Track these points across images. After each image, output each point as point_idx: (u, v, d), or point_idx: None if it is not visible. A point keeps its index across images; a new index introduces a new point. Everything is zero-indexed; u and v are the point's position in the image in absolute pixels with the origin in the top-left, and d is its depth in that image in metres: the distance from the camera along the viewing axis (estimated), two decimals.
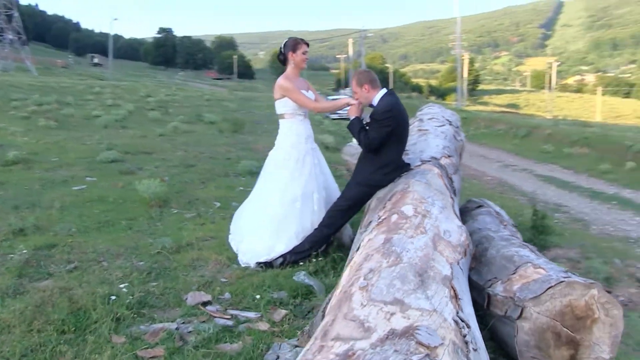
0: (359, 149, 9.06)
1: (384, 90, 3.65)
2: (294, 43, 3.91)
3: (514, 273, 2.44)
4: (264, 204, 3.95)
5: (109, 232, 4.44)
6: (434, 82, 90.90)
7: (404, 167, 3.67)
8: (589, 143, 15.53)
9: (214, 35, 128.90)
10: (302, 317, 2.98)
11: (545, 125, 19.61)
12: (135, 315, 2.82)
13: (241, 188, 6.27)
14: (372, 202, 3.58)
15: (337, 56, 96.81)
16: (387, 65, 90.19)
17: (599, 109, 66.37)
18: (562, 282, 2.14)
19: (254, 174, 7.24)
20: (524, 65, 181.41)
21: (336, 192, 4.12)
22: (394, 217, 2.67)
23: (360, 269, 2.01)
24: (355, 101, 3.70)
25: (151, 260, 3.79)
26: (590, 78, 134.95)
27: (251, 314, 2.98)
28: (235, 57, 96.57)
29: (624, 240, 6.87)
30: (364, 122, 3.68)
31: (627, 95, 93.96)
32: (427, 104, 7.21)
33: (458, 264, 2.36)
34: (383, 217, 2.73)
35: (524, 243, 2.96)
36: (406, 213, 2.75)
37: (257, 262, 3.78)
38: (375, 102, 3.62)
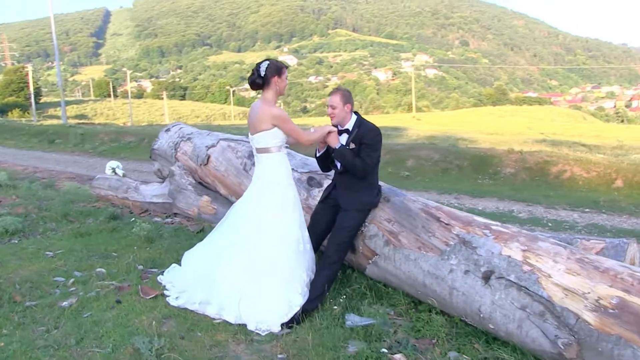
0: (122, 181, 7.50)
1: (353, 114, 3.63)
2: (280, 66, 3.38)
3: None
4: (264, 255, 3.28)
5: None
6: None
7: (380, 186, 3.80)
8: None
9: None
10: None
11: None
12: None
13: (49, 253, 4.41)
14: (384, 224, 3.53)
15: None
16: None
17: (167, 112, 72.69)
18: (627, 244, 3.16)
19: (22, 232, 5.38)
20: (81, 74, 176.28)
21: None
22: (500, 228, 3.05)
23: None
24: (335, 128, 3.53)
25: None
26: (146, 84, 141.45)
27: None
28: None
29: None
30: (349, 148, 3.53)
31: (183, 97, 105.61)
32: (174, 124, 6.51)
33: None
34: (495, 231, 3.03)
35: None
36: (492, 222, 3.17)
37: (282, 324, 3.15)
38: (350, 125, 3.57)
